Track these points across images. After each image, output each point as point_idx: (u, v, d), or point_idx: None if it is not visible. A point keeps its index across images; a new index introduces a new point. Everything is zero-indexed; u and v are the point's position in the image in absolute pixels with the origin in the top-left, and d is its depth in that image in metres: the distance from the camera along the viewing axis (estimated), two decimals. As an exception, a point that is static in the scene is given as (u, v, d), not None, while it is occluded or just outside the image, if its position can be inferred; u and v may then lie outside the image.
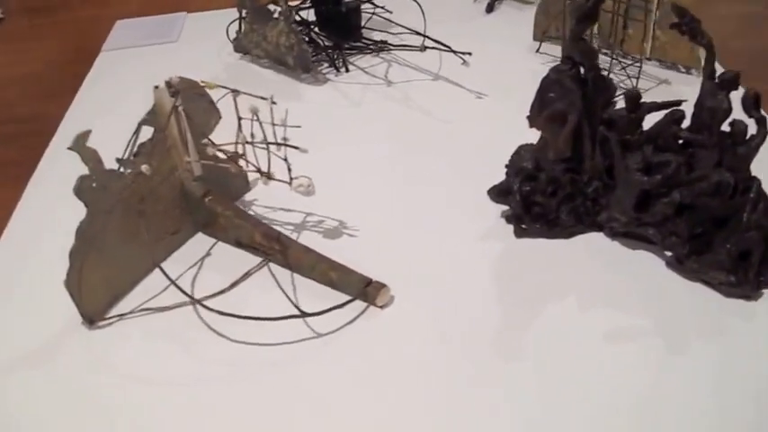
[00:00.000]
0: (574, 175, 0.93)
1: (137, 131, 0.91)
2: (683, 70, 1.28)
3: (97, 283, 0.89)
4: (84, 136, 0.85)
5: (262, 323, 0.84)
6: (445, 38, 1.36)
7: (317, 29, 1.40)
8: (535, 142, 0.98)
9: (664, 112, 0.90)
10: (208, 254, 0.99)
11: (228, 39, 1.47)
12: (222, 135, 0.97)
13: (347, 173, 1.11)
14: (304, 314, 0.85)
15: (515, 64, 1.35)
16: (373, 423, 0.77)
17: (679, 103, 0.89)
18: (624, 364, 0.80)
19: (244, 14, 1.37)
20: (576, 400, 0.77)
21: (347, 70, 1.37)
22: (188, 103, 0.93)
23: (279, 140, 0.87)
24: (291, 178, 0.92)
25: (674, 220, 0.89)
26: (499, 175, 1.04)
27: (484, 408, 0.77)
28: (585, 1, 0.84)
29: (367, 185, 1.09)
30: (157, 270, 0.92)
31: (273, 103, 0.85)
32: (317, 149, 0.91)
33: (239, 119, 0.89)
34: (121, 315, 0.91)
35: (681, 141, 0.88)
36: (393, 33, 1.41)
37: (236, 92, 0.88)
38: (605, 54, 1.26)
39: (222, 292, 0.92)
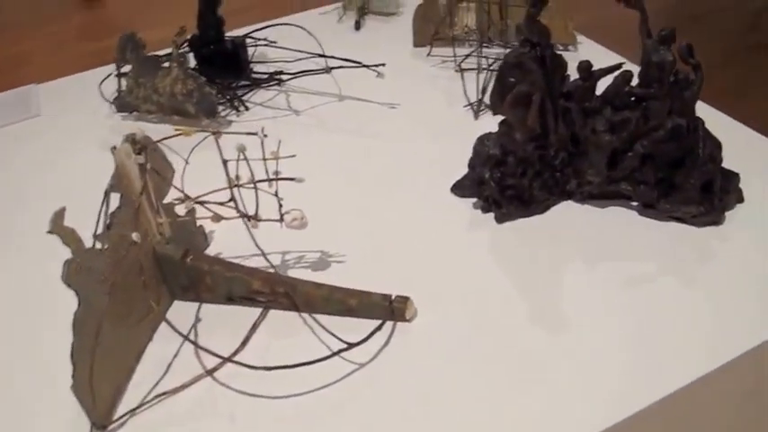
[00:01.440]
0: (541, 151, 0.98)
1: (105, 201, 0.84)
2: (561, 48, 1.38)
3: (102, 380, 0.80)
4: (61, 215, 0.77)
5: (295, 372, 0.80)
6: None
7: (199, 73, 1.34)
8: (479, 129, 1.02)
9: (611, 76, 0.97)
10: (198, 320, 0.93)
11: (105, 99, 1.38)
12: (198, 184, 0.91)
13: (315, 204, 1.08)
14: (350, 345, 0.82)
15: (409, 70, 1.39)
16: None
17: (620, 65, 0.97)
18: (641, 309, 0.87)
19: (125, 70, 1.29)
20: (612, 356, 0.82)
21: (246, 108, 1.33)
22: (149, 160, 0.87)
23: (270, 176, 0.84)
24: (282, 214, 0.89)
25: (640, 170, 0.96)
26: (449, 173, 1.06)
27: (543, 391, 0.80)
28: (538, -17, 0.89)
29: (338, 212, 1.07)
30: (149, 351, 0.85)
31: (264, 135, 0.82)
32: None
33: (224, 162, 0.85)
34: (132, 410, 0.80)
35: (634, 98, 0.95)
36: (289, 62, 1.39)
37: (217, 133, 0.83)
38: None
39: (236, 353, 0.86)
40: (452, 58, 1.37)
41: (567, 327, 0.85)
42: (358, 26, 1.56)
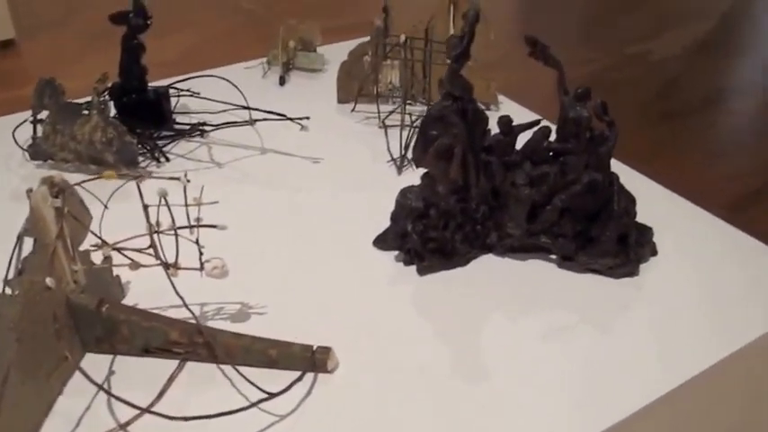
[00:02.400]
0: (463, 204, 1.00)
1: (18, 245, 0.81)
2: (483, 107, 1.42)
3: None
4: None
5: (215, 423, 0.77)
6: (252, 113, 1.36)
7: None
8: (404, 183, 1.04)
9: (530, 132, 1.00)
10: (112, 372, 0.89)
11: (19, 146, 1.33)
12: (116, 230, 0.89)
13: (237, 254, 1.07)
14: (270, 395, 0.80)
15: (333, 125, 1.41)
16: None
17: (538, 121, 1.00)
18: (560, 358, 0.88)
19: (42, 116, 1.26)
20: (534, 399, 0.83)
21: (167, 159, 1.31)
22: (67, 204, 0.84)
23: (192, 223, 0.82)
24: (203, 262, 0.87)
25: (558, 223, 0.99)
26: (371, 226, 1.07)
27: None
28: (459, 40, 0.92)
29: (261, 262, 1.05)
30: (59, 404, 0.82)
31: (187, 180, 0.81)
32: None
33: (145, 207, 0.83)
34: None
35: (552, 153, 0.98)
36: (213, 113, 1.38)
37: (140, 177, 0.81)
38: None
39: (152, 405, 0.83)
40: (376, 115, 1.39)
41: (489, 377, 0.86)
42: (282, 81, 1.57)
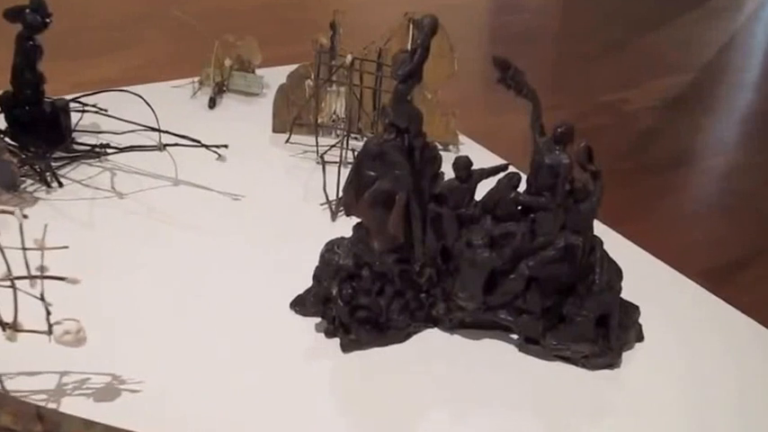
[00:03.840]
0: (404, 266, 0.78)
1: None
2: (441, 147, 1.22)
3: None
4: None
5: None
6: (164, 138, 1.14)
7: (9, 137, 1.10)
8: (335, 232, 0.82)
9: (494, 179, 0.79)
10: None
11: None
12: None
13: (114, 311, 0.84)
14: None
15: (263, 158, 1.20)
16: None
17: (506, 167, 0.80)
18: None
19: None
20: None
21: (60, 184, 1.08)
22: None
23: (34, 271, 0.60)
24: (51, 325, 0.64)
25: (523, 296, 0.78)
26: (291, 285, 0.85)
27: None
28: (410, 56, 0.71)
29: (142, 326, 0.83)
30: None
31: (24, 216, 0.58)
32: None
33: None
34: None
35: (520, 207, 0.78)
36: (120, 135, 1.16)
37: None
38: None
39: None
40: (314, 149, 1.17)
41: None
42: (213, 104, 1.36)
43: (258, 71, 1.43)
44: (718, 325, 0.89)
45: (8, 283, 0.65)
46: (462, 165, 0.77)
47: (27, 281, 0.64)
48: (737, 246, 1.14)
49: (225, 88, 1.40)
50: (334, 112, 1.22)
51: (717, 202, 1.36)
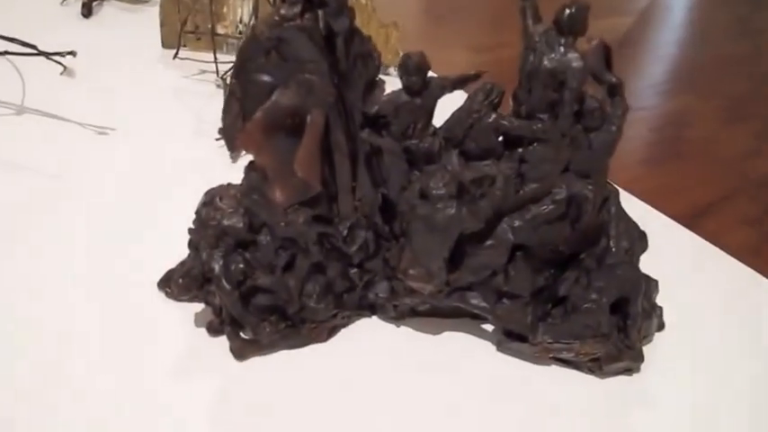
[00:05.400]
0: (324, 228, 0.51)
1: None
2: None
3: None
4: None
5: None
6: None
7: None
8: (239, 180, 0.54)
9: (462, 94, 0.51)
10: None
11: None
12: None
13: None
14: None
15: (146, 81, 0.90)
16: None
17: (479, 75, 0.52)
18: None
19: None
20: None
21: None
22: None
23: None
24: None
25: (503, 272, 0.52)
26: (168, 252, 0.57)
27: None
28: None
29: None
30: None
31: None
32: None
33: None
34: None
35: (502, 138, 0.50)
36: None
37: None
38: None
39: None
40: (213, 67, 0.88)
41: None
42: (87, 12, 1.04)
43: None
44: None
45: None
46: (414, 67, 0.49)
47: None
48: (697, 194, 0.95)
49: (105, -6, 1.09)
50: (240, 20, 0.92)
51: (671, 149, 1.19)
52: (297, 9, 0.43)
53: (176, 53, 0.91)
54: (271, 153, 0.48)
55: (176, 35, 0.93)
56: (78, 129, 0.79)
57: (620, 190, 0.56)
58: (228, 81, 0.84)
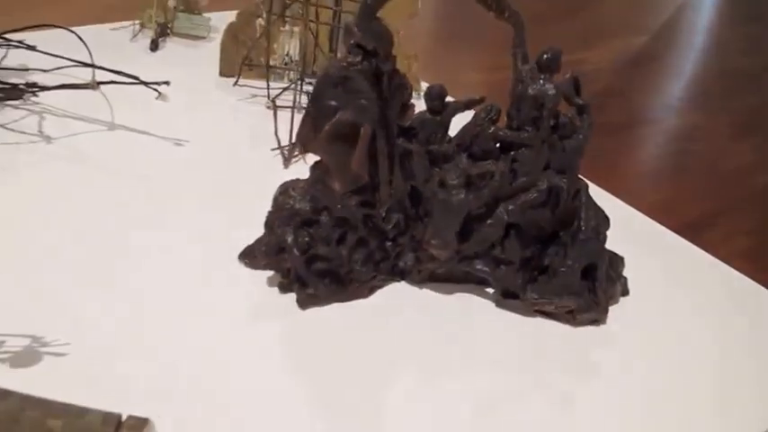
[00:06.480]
0: (368, 210, 0.69)
1: None
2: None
3: None
4: None
5: None
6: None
7: None
8: (288, 179, 0.73)
9: (470, 114, 0.70)
10: None
11: None
12: None
13: (37, 265, 0.73)
14: None
15: (209, 102, 1.09)
16: None
17: (482, 99, 0.71)
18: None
19: None
20: None
21: (-25, 129, 0.96)
22: None
23: None
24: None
25: (500, 245, 0.70)
26: (240, 235, 0.75)
27: None
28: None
29: (65, 280, 0.72)
30: None
31: None
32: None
33: None
34: None
35: (499, 145, 0.69)
36: (48, 72, 1.03)
37: None
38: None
39: None
40: (265, 92, 1.07)
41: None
42: (155, 46, 1.24)
43: (205, 14, 1.31)
44: (702, 276, 0.83)
45: None
46: (436, 94, 0.68)
47: None
48: (701, 205, 1.10)
49: (169, 31, 1.28)
50: (287, 54, 1.12)
51: (676, 162, 1.33)
52: (358, 58, 0.62)
53: (236, 81, 1.10)
54: (333, 155, 0.66)
55: (233, 66, 1.12)
56: (161, 140, 0.98)
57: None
58: (277, 103, 1.04)
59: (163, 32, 1.27)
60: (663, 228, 0.91)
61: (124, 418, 0.55)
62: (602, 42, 1.95)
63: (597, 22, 2.16)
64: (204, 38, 1.29)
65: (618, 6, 2.33)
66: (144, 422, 0.55)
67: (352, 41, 0.63)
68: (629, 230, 0.85)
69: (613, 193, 0.96)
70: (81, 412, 0.55)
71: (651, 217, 0.93)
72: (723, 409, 0.65)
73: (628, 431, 0.62)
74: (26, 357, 0.63)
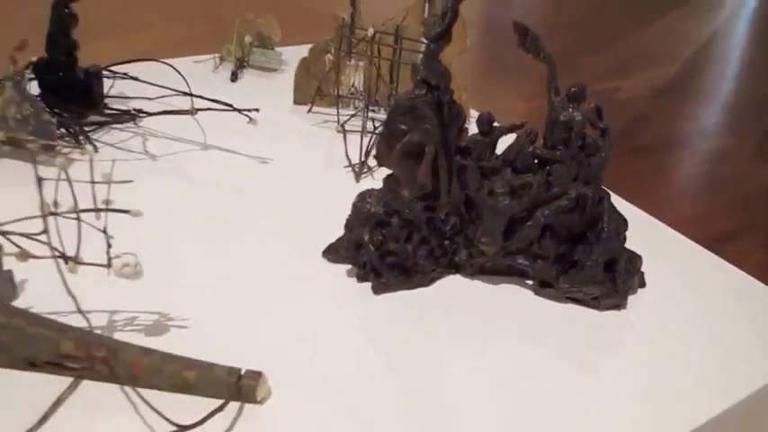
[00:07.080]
0: (430, 214, 0.85)
1: None
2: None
3: None
4: None
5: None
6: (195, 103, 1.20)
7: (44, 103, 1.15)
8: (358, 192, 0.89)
9: (513, 136, 0.87)
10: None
11: None
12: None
13: (158, 252, 0.90)
14: (182, 428, 0.64)
15: (286, 126, 1.26)
16: None
17: (523, 124, 0.87)
18: (532, 399, 0.74)
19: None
20: None
21: (95, 148, 1.14)
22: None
23: (100, 204, 0.66)
24: (110, 258, 0.70)
25: (537, 242, 0.85)
26: (321, 236, 0.92)
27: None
28: (441, 19, 0.78)
29: (185, 266, 0.89)
30: None
31: (95, 150, 0.64)
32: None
33: (39, 180, 0.66)
34: None
35: (537, 160, 0.85)
36: (151, 100, 1.22)
37: (32, 142, 0.65)
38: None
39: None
40: (334, 119, 1.24)
41: (446, 418, 0.71)
42: (234, 77, 1.42)
43: (277, 48, 1.49)
44: (722, 281, 0.96)
45: (73, 215, 0.70)
46: (486, 120, 0.84)
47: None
48: (725, 221, 1.20)
49: (245, 64, 1.47)
50: (353, 85, 1.29)
51: (704, 182, 1.43)
52: (423, 90, 0.79)
53: (310, 108, 1.28)
54: (403, 169, 0.83)
55: (306, 95, 1.30)
56: (248, 159, 1.15)
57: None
58: (346, 128, 1.21)
59: (240, 65, 1.46)
60: (684, 237, 1.05)
61: (243, 372, 0.71)
62: (635, 72, 2.06)
63: (633, 51, 2.26)
64: (276, 70, 1.47)
65: (653, 37, 2.42)
66: (258, 374, 0.71)
67: (418, 77, 0.80)
68: (653, 238, 1.00)
69: (646, 210, 1.09)
70: (210, 366, 0.72)
71: (678, 230, 1.06)
72: (725, 369, 0.80)
73: (641, 393, 0.76)
74: (156, 329, 0.80)
